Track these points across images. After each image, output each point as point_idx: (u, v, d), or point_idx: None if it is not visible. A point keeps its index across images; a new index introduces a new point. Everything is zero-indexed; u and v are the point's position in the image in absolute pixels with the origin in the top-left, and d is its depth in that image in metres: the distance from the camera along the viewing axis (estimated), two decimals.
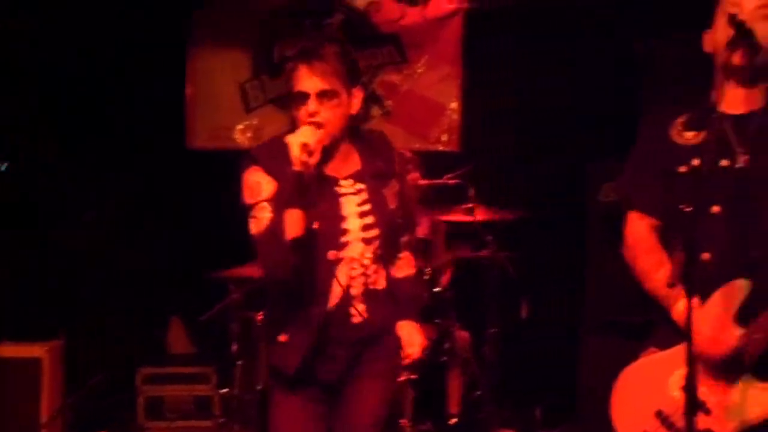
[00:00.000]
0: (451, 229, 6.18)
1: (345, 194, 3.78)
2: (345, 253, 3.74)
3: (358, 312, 3.78)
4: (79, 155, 6.97)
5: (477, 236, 6.05)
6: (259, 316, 5.84)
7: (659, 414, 3.43)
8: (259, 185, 3.64)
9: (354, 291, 3.77)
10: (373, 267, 3.82)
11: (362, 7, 7.40)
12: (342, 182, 3.79)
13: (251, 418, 5.85)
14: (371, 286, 3.82)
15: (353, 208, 3.77)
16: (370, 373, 3.89)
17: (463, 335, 5.95)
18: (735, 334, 3.28)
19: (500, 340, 6.09)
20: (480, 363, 6.02)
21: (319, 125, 3.60)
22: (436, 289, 5.74)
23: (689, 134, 3.48)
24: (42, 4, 6.70)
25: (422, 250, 5.83)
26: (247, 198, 3.67)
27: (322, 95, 3.62)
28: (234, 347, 5.91)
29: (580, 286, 6.35)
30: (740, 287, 3.31)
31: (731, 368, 3.32)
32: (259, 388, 5.76)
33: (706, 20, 3.54)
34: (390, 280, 3.94)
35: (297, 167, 3.50)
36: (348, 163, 3.83)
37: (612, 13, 6.74)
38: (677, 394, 3.26)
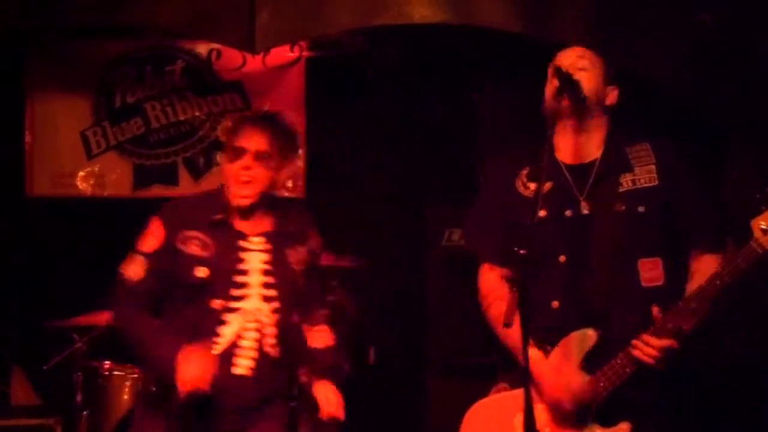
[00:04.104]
0: None
1: (252, 250, 3.93)
2: (242, 305, 3.86)
3: (243, 365, 3.85)
4: None
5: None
6: (106, 365, 5.79)
7: None
8: (149, 236, 3.91)
9: (244, 343, 3.85)
10: (271, 329, 3.91)
11: (203, 54, 7.42)
12: (252, 239, 3.95)
13: None
14: (265, 348, 3.89)
15: (257, 264, 3.92)
16: None
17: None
18: (580, 381, 3.41)
19: (347, 385, 6.13)
20: None
21: (248, 182, 3.89)
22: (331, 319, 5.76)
23: (533, 185, 3.57)
24: None
25: None
26: (138, 241, 3.93)
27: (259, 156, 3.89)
28: (79, 397, 5.83)
29: (423, 329, 6.43)
30: (587, 336, 3.43)
31: (577, 415, 3.43)
32: None
33: (541, 71, 3.70)
34: (309, 350, 4.09)
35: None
36: (261, 222, 4.00)
37: (452, 62, 6.88)
38: None
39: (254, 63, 7.32)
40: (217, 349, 3.82)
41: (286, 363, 4.02)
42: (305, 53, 7.37)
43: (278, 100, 7.38)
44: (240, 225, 3.96)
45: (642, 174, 3.55)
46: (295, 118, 7.32)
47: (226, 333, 3.84)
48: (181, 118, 7.42)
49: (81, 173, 7.36)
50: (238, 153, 3.89)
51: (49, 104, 7.42)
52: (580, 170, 3.59)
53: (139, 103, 7.43)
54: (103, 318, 5.79)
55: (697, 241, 3.53)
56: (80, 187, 7.36)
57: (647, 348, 3.31)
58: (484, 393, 3.78)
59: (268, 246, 3.96)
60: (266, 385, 3.92)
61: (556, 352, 3.47)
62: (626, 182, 3.54)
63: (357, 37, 6.99)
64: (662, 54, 5.42)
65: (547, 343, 3.45)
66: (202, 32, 6.42)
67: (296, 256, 4.04)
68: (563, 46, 3.73)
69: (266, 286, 3.91)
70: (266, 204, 4.00)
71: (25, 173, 7.34)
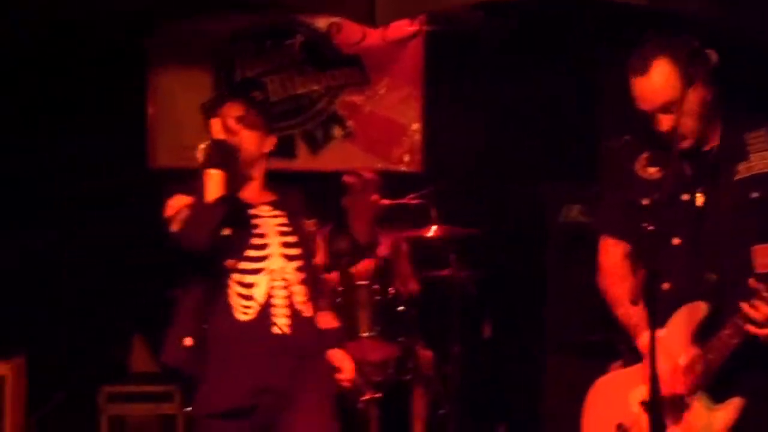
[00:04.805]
0: (414, 248, 6.25)
1: (263, 216, 4.07)
2: (265, 265, 3.96)
3: (278, 325, 3.93)
4: (41, 174, 6.96)
5: (440, 256, 6.12)
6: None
7: (620, 427, 3.53)
8: (179, 201, 3.92)
9: (276, 302, 3.94)
10: (299, 287, 4.03)
11: (323, 28, 7.45)
12: (261, 207, 4.10)
13: None
14: (297, 306, 4.00)
15: (272, 227, 4.05)
16: (305, 405, 3.97)
17: (426, 354, 6.00)
18: (690, 353, 3.38)
19: (463, 358, 6.14)
20: (443, 381, 6.07)
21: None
22: (400, 308, 5.79)
23: (652, 169, 3.58)
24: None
25: (385, 269, 5.91)
26: (168, 212, 3.92)
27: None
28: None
29: (542, 304, 6.39)
30: (699, 309, 3.40)
31: (685, 390, 3.40)
32: None
33: None
34: (319, 330, 4.15)
35: (216, 137, 3.96)
36: (264, 194, 4.16)
37: (571, 36, 6.81)
38: (636, 410, 3.36)
39: (374, 37, 7.35)
40: (251, 313, 3.92)
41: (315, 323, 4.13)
42: (424, 27, 7.35)
43: (397, 74, 7.42)
44: (245, 196, 4.09)
45: (757, 160, 3.47)
46: (414, 91, 7.40)
47: (257, 294, 3.93)
48: (300, 91, 7.46)
49: (201, 146, 7.40)
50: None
51: (170, 78, 7.51)
52: (699, 157, 3.54)
53: (259, 76, 7.48)
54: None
55: None
56: (200, 159, 7.43)
57: (752, 316, 3.25)
58: (601, 370, 3.78)
59: (278, 212, 4.11)
60: (303, 342, 3.99)
61: (668, 327, 3.44)
62: (742, 169, 3.48)
63: (476, 11, 6.96)
64: None
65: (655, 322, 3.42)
66: (323, 6, 6.45)
67: (308, 226, 4.21)
68: (685, 18, 3.65)
69: (286, 245, 4.03)
70: (265, 185, 4.18)
71: (147, 146, 7.46)
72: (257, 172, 4.13)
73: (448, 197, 6.26)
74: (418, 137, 7.45)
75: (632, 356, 3.54)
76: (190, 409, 5.90)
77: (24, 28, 6.71)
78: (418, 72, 7.42)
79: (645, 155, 3.65)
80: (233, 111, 4.08)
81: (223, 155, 3.91)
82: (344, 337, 4.42)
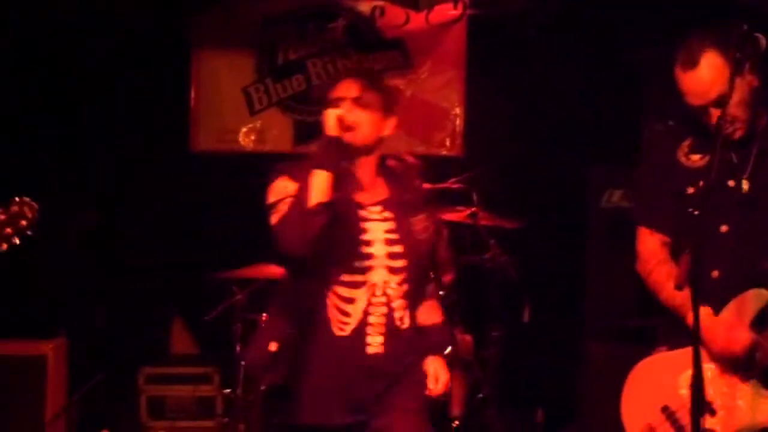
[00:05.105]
0: (454, 232, 6.23)
1: (372, 220, 3.66)
2: (367, 278, 3.61)
3: (372, 344, 3.63)
4: (83, 157, 7.01)
5: (480, 240, 6.10)
6: (264, 317, 5.86)
7: (665, 409, 3.48)
8: (284, 187, 3.57)
9: (373, 320, 3.63)
10: (399, 302, 3.67)
11: (366, 11, 7.45)
12: (370, 208, 3.68)
13: (254, 418, 5.87)
14: (396, 322, 3.67)
15: (380, 234, 3.65)
16: (397, 413, 3.68)
17: (465, 338, 5.99)
18: (748, 336, 3.32)
19: (502, 342, 6.13)
20: (482, 365, 6.06)
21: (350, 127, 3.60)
22: (440, 292, 5.77)
23: (695, 156, 3.54)
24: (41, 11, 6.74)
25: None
26: (271, 198, 3.59)
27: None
28: (237, 348, 5.92)
29: (582, 289, 6.37)
30: (757, 296, 3.36)
31: (741, 373, 3.37)
32: (262, 388, 5.78)
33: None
34: (416, 327, 3.82)
35: (330, 133, 3.51)
36: (376, 191, 3.73)
37: (615, 19, 6.75)
38: (685, 392, 3.29)
39: (417, 20, 7.35)
40: (347, 329, 3.61)
41: (415, 335, 3.78)
42: (468, 11, 7.34)
43: (439, 58, 7.41)
44: (355, 194, 3.68)
45: None
46: (456, 75, 7.38)
47: (355, 311, 3.61)
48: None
49: (243, 129, 7.48)
50: (337, 104, 3.64)
51: (213, 61, 7.55)
52: (745, 142, 3.49)
53: (302, 60, 7.49)
54: (263, 271, 5.87)
55: None
56: (242, 142, 7.48)
57: None
58: (640, 356, 3.71)
59: (388, 215, 3.69)
60: (398, 359, 3.69)
61: (727, 310, 3.40)
62: None
63: None
64: None
65: (706, 307, 3.37)
66: None
67: (419, 224, 3.74)
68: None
69: (391, 256, 3.63)
70: (379, 171, 3.76)
71: (189, 129, 7.48)
72: (371, 163, 3.72)
73: (489, 182, 6.23)
74: (459, 121, 7.44)
75: (679, 340, 3.46)
76: (229, 390, 6.03)
77: (67, 9, 6.77)
78: (460, 56, 7.40)
79: (687, 142, 3.61)
80: (349, 91, 3.65)
81: (335, 155, 3.51)
82: (447, 335, 4.11)
